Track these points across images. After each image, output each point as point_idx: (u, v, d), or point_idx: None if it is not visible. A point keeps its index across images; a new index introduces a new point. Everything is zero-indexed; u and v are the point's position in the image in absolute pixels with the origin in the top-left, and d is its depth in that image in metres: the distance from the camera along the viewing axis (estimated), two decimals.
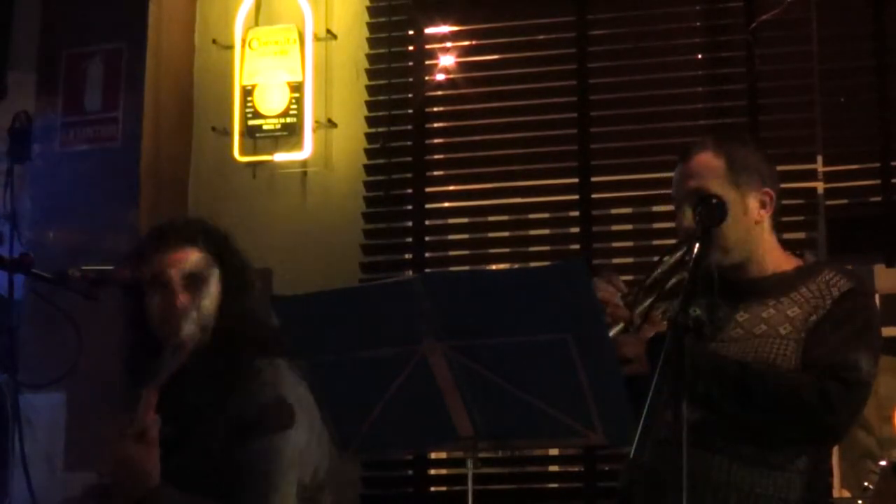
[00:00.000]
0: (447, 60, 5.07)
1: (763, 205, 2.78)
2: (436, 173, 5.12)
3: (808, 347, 2.66)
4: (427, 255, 5.04)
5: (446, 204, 5.15)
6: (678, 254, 2.60)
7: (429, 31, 5.11)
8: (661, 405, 2.16)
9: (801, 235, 4.50)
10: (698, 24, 4.92)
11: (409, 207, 5.06)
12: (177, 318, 2.73)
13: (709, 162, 2.77)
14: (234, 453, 2.64)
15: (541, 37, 5.06)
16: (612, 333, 2.44)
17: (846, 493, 4.16)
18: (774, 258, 2.82)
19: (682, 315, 2.26)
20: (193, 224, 2.88)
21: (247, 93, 5.05)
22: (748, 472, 2.64)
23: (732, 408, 2.63)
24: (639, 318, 2.57)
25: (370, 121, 5.08)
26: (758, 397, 2.61)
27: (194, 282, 2.76)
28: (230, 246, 2.85)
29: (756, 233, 2.79)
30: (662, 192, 4.35)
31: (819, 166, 4.67)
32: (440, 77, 5.07)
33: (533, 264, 4.79)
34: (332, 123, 5.06)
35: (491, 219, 5.08)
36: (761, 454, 2.65)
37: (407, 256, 5.09)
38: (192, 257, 2.78)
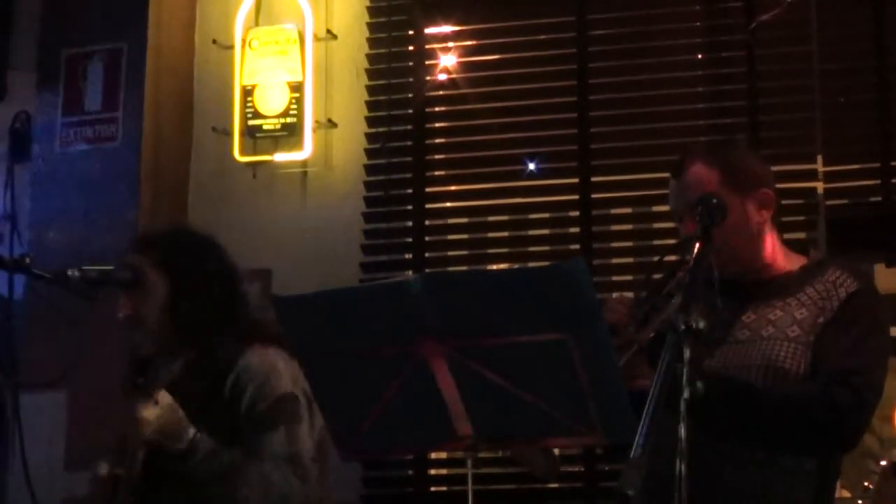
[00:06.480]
0: (447, 60, 5.07)
1: (763, 206, 2.75)
2: (436, 173, 5.12)
3: (816, 353, 2.63)
4: (427, 255, 5.04)
5: (446, 204, 5.15)
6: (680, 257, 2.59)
7: (429, 31, 5.11)
8: (662, 409, 2.15)
9: (801, 235, 4.50)
10: (698, 24, 4.93)
11: (409, 207, 5.06)
12: (127, 328, 2.91)
13: (702, 173, 2.73)
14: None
15: (541, 37, 5.06)
16: (624, 359, 2.42)
17: (846, 493, 4.14)
18: (780, 258, 2.79)
19: (682, 318, 2.25)
20: (147, 232, 3.07)
21: (247, 93, 5.05)
22: (759, 475, 2.62)
23: (742, 429, 2.61)
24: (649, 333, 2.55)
25: (370, 121, 5.08)
26: (766, 422, 2.58)
27: (136, 289, 2.90)
28: (178, 247, 2.95)
29: (760, 235, 2.76)
30: (662, 192, 4.32)
31: (819, 166, 4.68)
32: (440, 77, 5.07)
33: (533, 264, 4.78)
34: (332, 123, 5.06)
35: (491, 219, 5.08)
36: (772, 457, 2.63)
37: (407, 256, 5.09)
38: (134, 263, 2.91)
